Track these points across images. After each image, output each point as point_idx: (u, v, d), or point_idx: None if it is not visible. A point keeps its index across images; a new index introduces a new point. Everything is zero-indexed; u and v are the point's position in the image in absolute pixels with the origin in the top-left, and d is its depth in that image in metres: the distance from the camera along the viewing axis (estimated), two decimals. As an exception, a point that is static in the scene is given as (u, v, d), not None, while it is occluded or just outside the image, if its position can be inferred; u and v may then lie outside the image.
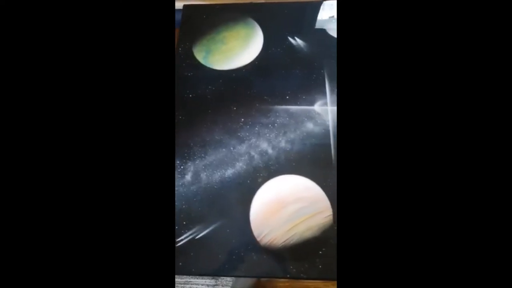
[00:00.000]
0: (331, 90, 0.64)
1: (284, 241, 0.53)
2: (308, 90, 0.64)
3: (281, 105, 0.63)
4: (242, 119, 0.62)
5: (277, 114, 0.63)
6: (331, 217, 0.54)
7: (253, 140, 0.61)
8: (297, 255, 0.53)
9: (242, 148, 0.60)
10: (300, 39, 0.70)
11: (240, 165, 0.59)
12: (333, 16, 0.72)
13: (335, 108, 0.63)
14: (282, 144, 0.60)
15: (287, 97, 0.64)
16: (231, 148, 0.60)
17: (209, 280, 0.65)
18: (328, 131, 0.61)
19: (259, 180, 0.57)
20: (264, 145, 0.60)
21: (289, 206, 0.55)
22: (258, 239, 0.54)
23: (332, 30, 0.70)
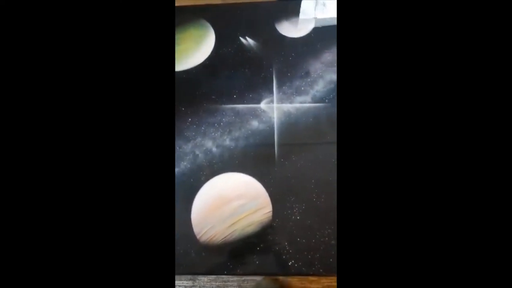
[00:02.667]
0: (278, 88, 0.65)
1: (224, 238, 0.54)
2: (255, 89, 0.65)
3: (228, 104, 0.64)
4: (189, 119, 0.63)
5: (224, 113, 0.63)
6: (270, 214, 0.55)
7: (199, 139, 0.62)
8: (236, 251, 0.53)
9: (188, 147, 0.61)
10: (252, 39, 0.71)
11: (184, 164, 0.60)
12: (316, 17, 0.72)
13: (281, 105, 0.63)
14: (227, 142, 0.61)
15: (235, 96, 0.65)
16: (178, 148, 0.61)
17: (186, 281, 0.66)
18: (273, 128, 0.61)
19: (202, 178, 0.58)
20: (209, 144, 0.61)
21: (230, 203, 0.56)
22: (198, 237, 0.55)
23: (285, 29, 0.71)
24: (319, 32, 0.70)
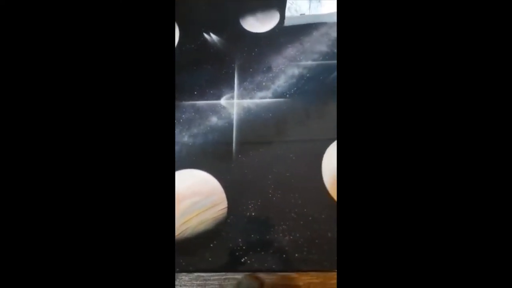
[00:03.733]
0: (239, 84, 0.64)
1: (176, 236, 0.53)
2: (217, 85, 0.64)
3: (188, 100, 0.63)
4: (149, 116, 0.63)
5: (184, 109, 0.63)
6: (225, 210, 0.54)
7: (158, 136, 0.61)
8: (187, 249, 0.53)
9: (146, 144, 0.61)
10: (216, 35, 0.70)
11: (142, 162, 0.59)
12: (304, 14, 0.72)
13: (241, 101, 0.62)
14: (185, 139, 0.60)
15: (195, 92, 0.64)
16: (137, 145, 0.61)
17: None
18: (232, 124, 0.60)
19: (159, 175, 0.57)
20: (167, 141, 0.60)
21: (185, 200, 0.55)
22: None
23: (249, 25, 0.70)
24: (282, 28, 0.69)
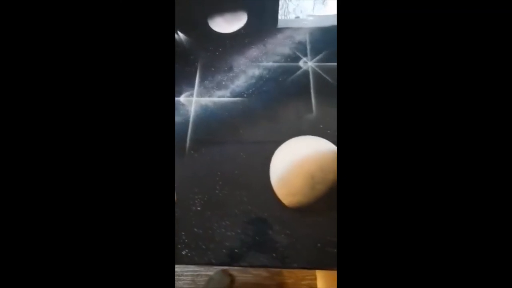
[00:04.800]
0: (200, 82, 0.66)
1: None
2: (178, 83, 0.66)
3: (150, 96, 0.65)
4: (111, 111, 0.65)
5: (144, 105, 0.64)
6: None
7: (116, 130, 0.63)
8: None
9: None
10: (184, 34, 0.72)
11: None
12: (299, 17, 0.73)
13: (200, 99, 0.64)
14: (142, 134, 0.62)
15: (157, 89, 0.66)
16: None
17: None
18: (188, 121, 0.62)
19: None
20: (125, 135, 0.62)
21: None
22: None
23: (217, 25, 0.72)
24: (249, 29, 0.71)
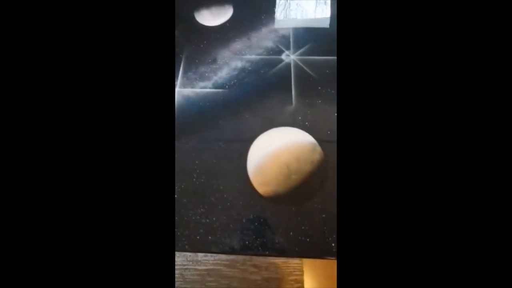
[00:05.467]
0: (184, 73, 0.67)
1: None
2: (162, 73, 0.67)
3: (133, 86, 0.66)
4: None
5: (128, 95, 0.66)
6: (150, 191, 0.57)
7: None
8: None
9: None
10: (170, 26, 0.73)
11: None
12: (296, 17, 0.74)
13: (182, 90, 0.65)
14: (124, 122, 0.63)
15: (141, 79, 0.67)
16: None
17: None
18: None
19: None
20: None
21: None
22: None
23: (203, 18, 0.73)
24: (234, 22, 0.72)
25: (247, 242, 0.52)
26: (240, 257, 1.10)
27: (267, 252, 0.52)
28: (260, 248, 0.52)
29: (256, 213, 0.54)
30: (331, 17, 0.71)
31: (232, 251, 0.52)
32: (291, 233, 0.53)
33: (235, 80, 0.65)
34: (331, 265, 1.10)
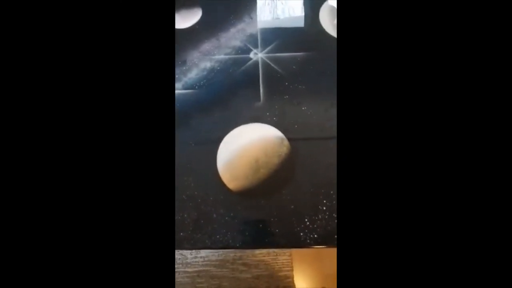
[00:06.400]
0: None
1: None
2: (134, 77, 0.68)
3: (106, 91, 0.68)
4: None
5: (100, 100, 0.67)
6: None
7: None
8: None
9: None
10: (142, 31, 0.74)
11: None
12: (279, 18, 0.75)
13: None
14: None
15: (114, 84, 0.68)
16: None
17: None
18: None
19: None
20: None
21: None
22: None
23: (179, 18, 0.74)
24: (203, 24, 0.73)
25: (218, 237, 0.54)
26: (229, 257, 1.11)
27: (237, 245, 0.53)
28: (230, 241, 0.53)
29: (226, 208, 0.55)
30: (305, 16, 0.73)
31: (203, 246, 0.53)
32: (261, 225, 0.54)
33: (205, 80, 0.66)
34: (320, 257, 1.11)
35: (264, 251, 1.11)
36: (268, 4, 0.75)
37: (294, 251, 1.11)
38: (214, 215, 0.55)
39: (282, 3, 0.75)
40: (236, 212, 0.55)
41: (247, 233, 0.54)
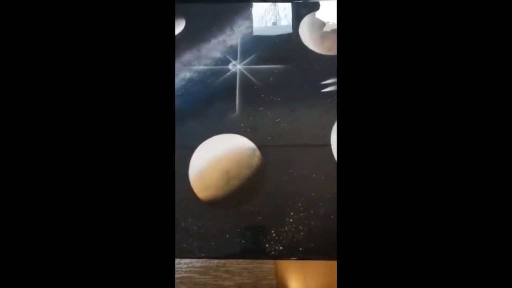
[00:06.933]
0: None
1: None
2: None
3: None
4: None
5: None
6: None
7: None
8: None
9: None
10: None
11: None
12: (275, 23, 0.77)
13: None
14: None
15: (95, 92, 0.70)
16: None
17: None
18: (119, 121, 0.66)
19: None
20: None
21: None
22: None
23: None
24: (186, 34, 0.75)
25: (184, 245, 0.54)
26: (213, 263, 1.12)
27: (203, 255, 0.54)
28: (196, 250, 0.54)
29: (195, 217, 0.56)
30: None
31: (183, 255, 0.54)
32: (227, 235, 0.55)
33: (183, 90, 0.68)
34: (304, 267, 1.11)
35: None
36: (271, 10, 0.76)
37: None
38: (183, 224, 0.56)
39: (284, 8, 0.76)
40: (204, 221, 0.56)
41: (213, 243, 0.54)
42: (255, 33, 0.74)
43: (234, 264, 1.12)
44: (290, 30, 0.74)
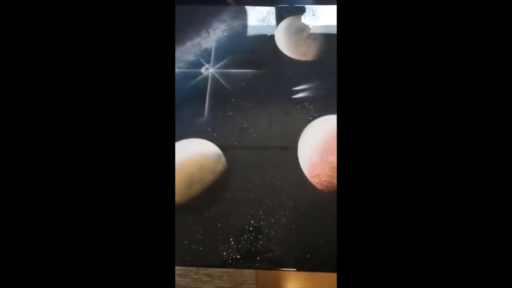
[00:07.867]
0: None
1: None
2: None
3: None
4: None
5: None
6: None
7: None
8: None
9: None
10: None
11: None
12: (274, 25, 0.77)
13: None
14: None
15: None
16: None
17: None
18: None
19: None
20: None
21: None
22: None
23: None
24: (177, 40, 0.74)
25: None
26: (193, 267, 1.11)
27: (160, 261, 0.53)
28: (153, 256, 0.53)
29: (154, 222, 0.55)
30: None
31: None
32: (186, 241, 0.54)
33: (154, 93, 0.67)
34: (283, 274, 1.10)
35: (228, 263, 1.10)
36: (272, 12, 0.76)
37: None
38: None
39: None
40: (163, 227, 0.55)
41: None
42: (231, 35, 0.73)
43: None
44: (269, 33, 0.73)
